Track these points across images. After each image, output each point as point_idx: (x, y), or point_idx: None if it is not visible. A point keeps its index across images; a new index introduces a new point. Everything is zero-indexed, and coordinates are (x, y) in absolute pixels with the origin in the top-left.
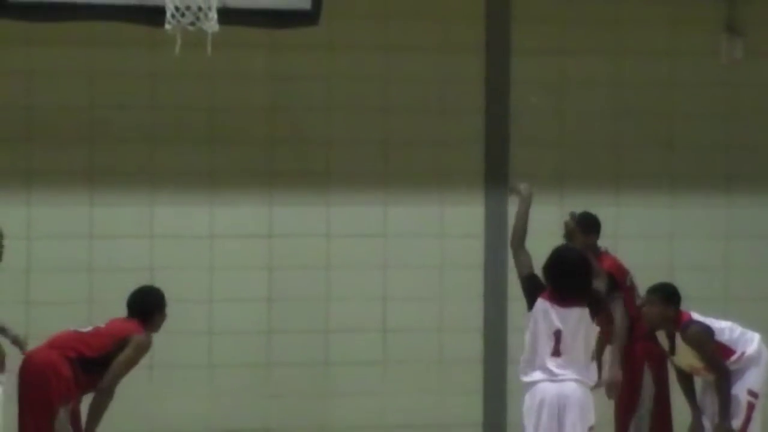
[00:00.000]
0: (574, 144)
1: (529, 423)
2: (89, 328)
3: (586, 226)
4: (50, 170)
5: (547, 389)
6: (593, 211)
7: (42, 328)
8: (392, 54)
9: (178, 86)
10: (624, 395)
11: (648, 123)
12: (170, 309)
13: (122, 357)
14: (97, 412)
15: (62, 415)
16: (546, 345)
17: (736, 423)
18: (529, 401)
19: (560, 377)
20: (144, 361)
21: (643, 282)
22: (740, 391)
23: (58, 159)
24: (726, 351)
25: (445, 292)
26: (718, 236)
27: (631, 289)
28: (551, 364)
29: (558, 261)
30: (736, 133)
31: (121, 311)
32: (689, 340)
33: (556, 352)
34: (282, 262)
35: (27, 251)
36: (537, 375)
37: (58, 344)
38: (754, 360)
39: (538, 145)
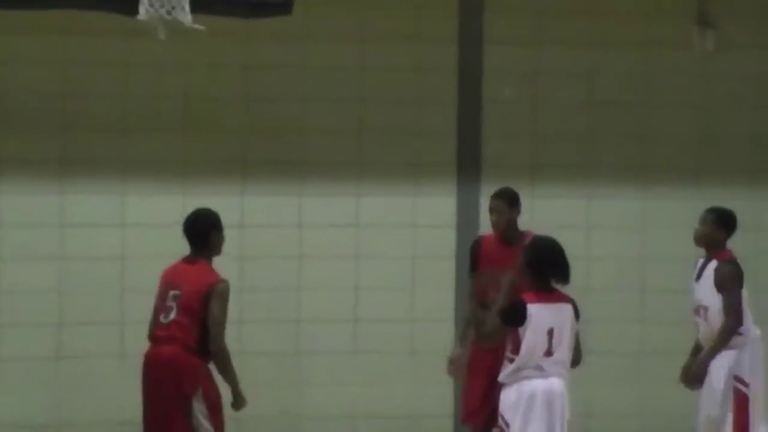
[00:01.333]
0: (546, 135)
1: (515, 416)
2: (171, 312)
3: (513, 200)
4: (21, 159)
5: (536, 385)
6: (564, 203)
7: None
8: (366, 44)
9: (152, 75)
10: None
11: (621, 114)
12: (140, 299)
13: (214, 314)
14: (228, 371)
15: (196, 403)
16: (541, 347)
17: (725, 414)
18: (516, 397)
19: (547, 373)
20: (115, 350)
21: (613, 273)
22: (726, 377)
23: (29, 148)
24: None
25: (417, 283)
26: (691, 229)
27: None
28: (542, 362)
29: (542, 249)
30: (708, 123)
31: (93, 301)
32: (722, 274)
33: (549, 353)
34: (254, 252)
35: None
36: (526, 372)
37: (174, 338)
38: (746, 346)
39: (511, 137)
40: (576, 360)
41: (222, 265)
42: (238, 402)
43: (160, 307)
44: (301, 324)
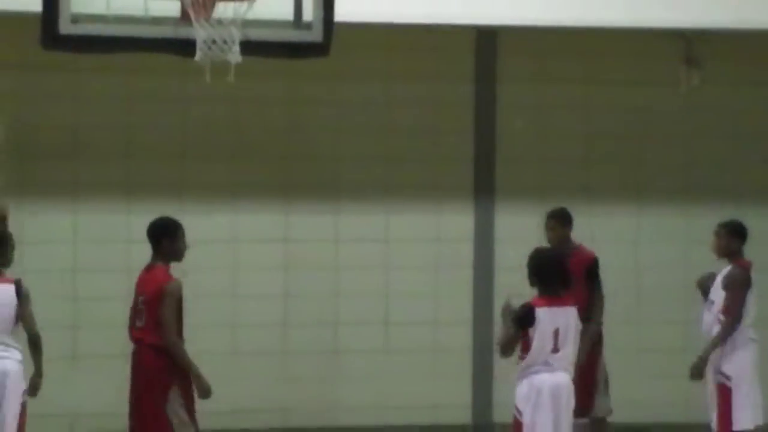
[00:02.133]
0: (552, 162)
1: (527, 406)
2: (142, 316)
3: (564, 218)
4: (93, 183)
5: (545, 379)
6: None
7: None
8: (393, 82)
9: (206, 109)
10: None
11: (616, 143)
12: (199, 303)
13: (164, 316)
14: (184, 365)
15: (172, 397)
16: (548, 345)
17: (715, 414)
18: (527, 389)
19: (554, 368)
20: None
21: (612, 278)
22: (712, 373)
23: (100, 174)
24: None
25: (440, 290)
26: (679, 242)
27: None
28: (552, 359)
29: (543, 260)
30: (695, 152)
31: None
32: (731, 275)
33: (555, 349)
34: (297, 263)
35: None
36: (536, 368)
37: (142, 342)
38: (738, 346)
39: (521, 163)
40: (580, 359)
41: (269, 275)
42: (201, 389)
43: (133, 312)
44: (338, 327)
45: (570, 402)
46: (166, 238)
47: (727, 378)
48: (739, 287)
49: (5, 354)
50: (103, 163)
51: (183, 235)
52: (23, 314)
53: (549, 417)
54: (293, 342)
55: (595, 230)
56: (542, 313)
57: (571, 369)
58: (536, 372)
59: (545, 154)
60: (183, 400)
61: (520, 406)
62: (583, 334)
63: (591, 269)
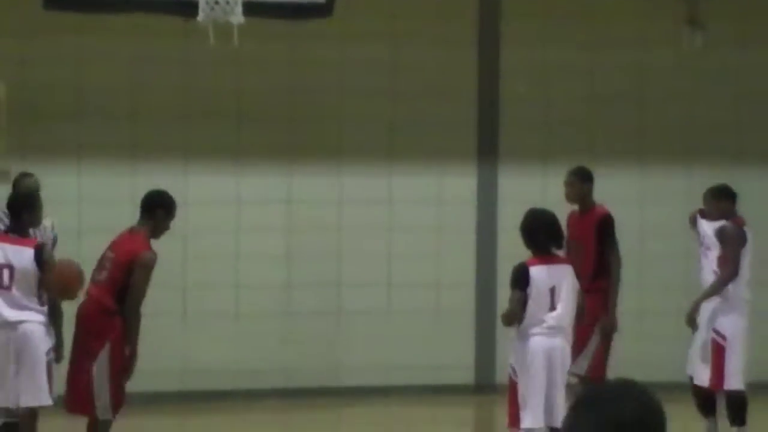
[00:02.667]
0: (555, 125)
1: (522, 369)
2: (104, 273)
3: (584, 175)
4: (98, 144)
5: (540, 342)
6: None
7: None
8: (397, 44)
9: (209, 72)
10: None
11: (619, 106)
12: (202, 265)
13: (136, 281)
14: (132, 333)
15: (102, 354)
16: (544, 303)
17: (707, 368)
18: (522, 350)
19: (553, 331)
20: (179, 309)
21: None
22: (708, 330)
23: (105, 135)
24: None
25: (442, 252)
26: (679, 203)
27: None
28: (547, 317)
29: (536, 218)
30: (697, 113)
31: (163, 268)
32: (727, 230)
33: (552, 307)
34: (300, 224)
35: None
36: (533, 329)
37: (92, 297)
38: (734, 306)
39: (524, 126)
40: (579, 317)
41: (272, 236)
42: (129, 366)
43: (98, 265)
44: (341, 288)
45: (564, 364)
46: (162, 209)
47: (722, 337)
48: (733, 241)
49: (26, 317)
50: (107, 125)
51: (174, 216)
52: (44, 281)
53: (543, 379)
54: (296, 303)
55: (600, 192)
56: (535, 272)
57: (569, 330)
58: (533, 335)
59: (548, 116)
60: (110, 365)
61: (516, 367)
62: (602, 295)
63: (601, 227)
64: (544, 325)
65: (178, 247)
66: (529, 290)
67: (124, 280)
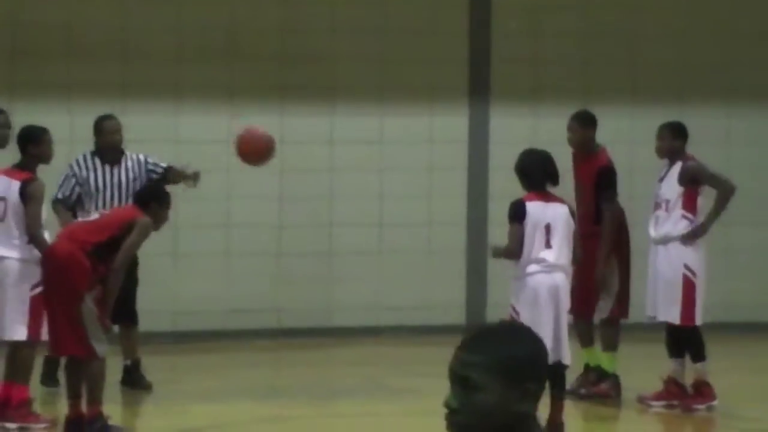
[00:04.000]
0: (547, 62)
1: (524, 306)
2: (96, 216)
3: (585, 120)
4: (88, 82)
5: (542, 280)
6: (563, 122)
7: None
8: None
9: (200, 10)
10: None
11: (612, 43)
12: (193, 205)
13: (129, 240)
14: (111, 290)
15: (87, 300)
16: (540, 239)
17: (677, 307)
18: (524, 290)
19: (552, 268)
20: (169, 249)
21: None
22: (678, 267)
23: (95, 73)
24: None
25: (434, 192)
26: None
27: None
28: (545, 254)
29: (531, 157)
30: (689, 51)
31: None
32: (691, 167)
33: (548, 244)
34: (292, 165)
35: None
36: (533, 267)
37: (74, 237)
38: (701, 242)
39: (516, 63)
40: (576, 257)
41: (264, 177)
42: (105, 315)
43: (84, 217)
44: (333, 228)
45: (566, 302)
46: (155, 202)
47: (693, 273)
48: (705, 169)
49: (6, 253)
50: (97, 63)
51: (169, 206)
52: (26, 213)
53: (549, 316)
54: (288, 243)
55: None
56: (532, 207)
57: (569, 270)
58: (533, 273)
59: (540, 54)
60: (97, 305)
61: (517, 306)
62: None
63: (598, 178)
64: (543, 263)
65: (169, 186)
66: (525, 224)
67: (117, 236)
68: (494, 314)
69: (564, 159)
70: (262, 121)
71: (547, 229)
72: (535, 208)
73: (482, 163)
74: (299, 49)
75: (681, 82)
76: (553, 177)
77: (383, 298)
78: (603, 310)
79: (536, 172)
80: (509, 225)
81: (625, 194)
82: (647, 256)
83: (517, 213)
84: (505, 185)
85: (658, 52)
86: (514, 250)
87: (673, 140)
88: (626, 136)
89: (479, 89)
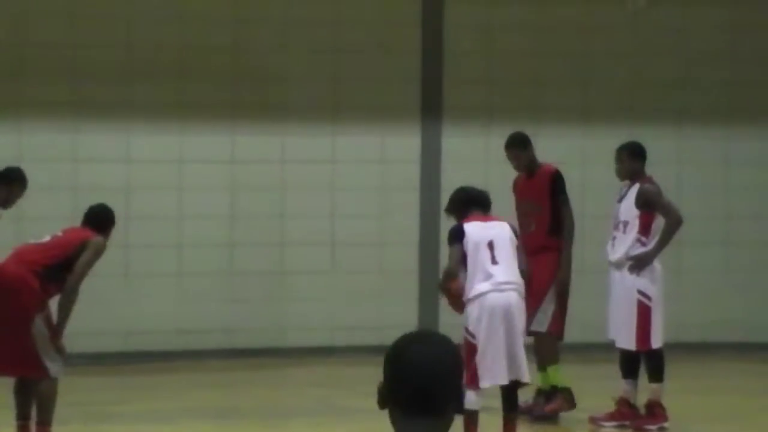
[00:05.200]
0: (501, 82)
1: (479, 328)
2: (47, 239)
3: (522, 143)
4: (40, 102)
5: (496, 299)
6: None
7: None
8: (340, 1)
9: (152, 28)
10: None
11: (565, 63)
12: (145, 225)
13: (83, 259)
14: (65, 310)
15: (38, 321)
16: (485, 256)
17: (632, 318)
18: (478, 311)
19: (504, 287)
20: (120, 270)
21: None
22: (631, 292)
23: (46, 92)
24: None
25: (386, 211)
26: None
27: None
28: (494, 271)
29: (456, 194)
30: (642, 72)
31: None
32: (647, 191)
33: (494, 261)
34: (243, 184)
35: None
36: (484, 286)
37: (23, 259)
38: (655, 266)
39: (469, 83)
40: (524, 272)
41: (215, 196)
42: (58, 338)
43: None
44: (285, 247)
45: (521, 321)
46: (111, 226)
47: (648, 298)
48: (660, 196)
49: None
50: (48, 82)
51: (112, 228)
52: None
53: (502, 339)
54: (239, 262)
55: (542, 152)
56: (470, 227)
57: (522, 289)
58: (485, 292)
59: (493, 74)
60: (48, 326)
61: (472, 328)
62: (558, 253)
63: (552, 184)
64: (493, 280)
65: (121, 206)
66: (465, 243)
67: (69, 256)
68: (447, 334)
69: (511, 178)
70: (213, 140)
71: (491, 246)
72: (473, 228)
73: (434, 183)
74: (251, 67)
75: (632, 102)
76: (485, 205)
77: (336, 317)
78: (541, 322)
79: (457, 204)
80: (449, 248)
81: (577, 213)
82: (603, 276)
83: (455, 235)
84: None
85: (610, 71)
86: (452, 270)
87: (632, 162)
88: (578, 155)
89: (431, 109)
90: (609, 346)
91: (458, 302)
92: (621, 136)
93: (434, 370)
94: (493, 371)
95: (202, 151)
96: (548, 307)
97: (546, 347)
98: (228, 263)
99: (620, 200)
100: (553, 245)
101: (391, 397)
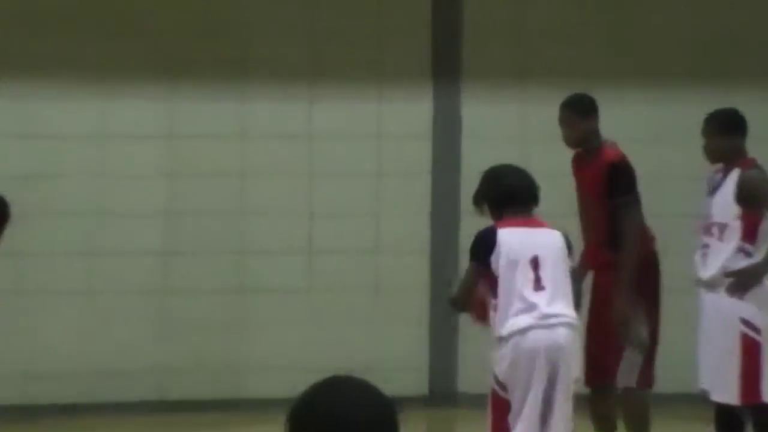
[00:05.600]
0: (536, 33)
1: (514, 380)
2: None
3: (582, 109)
4: None
5: (539, 338)
6: (550, 107)
7: None
8: None
9: None
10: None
11: (611, 7)
12: (47, 222)
13: None
14: None
15: None
16: (524, 280)
17: (734, 359)
18: (513, 355)
19: (552, 320)
20: (9, 285)
21: None
22: (732, 323)
23: None
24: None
25: (384, 206)
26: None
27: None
28: (537, 300)
29: (502, 175)
30: (699, 23)
31: None
32: (749, 179)
33: (539, 286)
34: (185, 167)
35: None
36: (522, 320)
37: None
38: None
39: (494, 37)
40: (575, 303)
41: (146, 184)
42: None
43: None
44: (243, 256)
45: (572, 369)
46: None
47: (756, 330)
48: (764, 183)
49: None
50: None
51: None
52: None
53: (540, 390)
54: (178, 277)
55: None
56: (507, 235)
57: (575, 321)
58: (525, 329)
59: (528, 22)
60: None
61: (503, 378)
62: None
63: (607, 179)
64: (537, 312)
65: (16, 196)
66: (497, 259)
67: None
68: (464, 382)
69: (559, 159)
70: (144, 105)
71: (535, 264)
72: (511, 237)
73: (452, 166)
74: (200, 15)
75: (719, 60)
76: (521, 195)
77: (313, 354)
78: (627, 374)
79: (491, 194)
80: (470, 263)
81: (648, 210)
82: (690, 300)
83: (482, 243)
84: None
85: (663, 21)
86: (461, 299)
87: (725, 137)
88: (645, 129)
89: (446, 68)
90: (700, 400)
91: (482, 309)
92: (708, 102)
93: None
94: None
95: (131, 123)
96: (633, 353)
97: (634, 408)
98: (162, 278)
99: (712, 193)
100: (609, 263)
101: None
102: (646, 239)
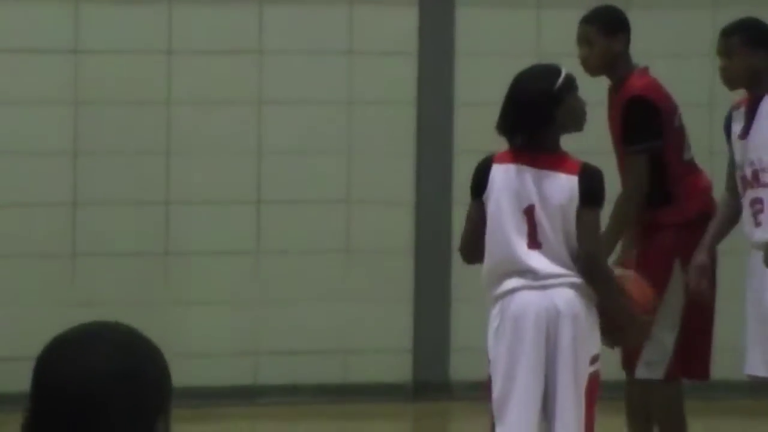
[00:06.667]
0: None
1: (499, 348)
2: None
3: (608, 26)
4: None
5: (528, 300)
6: (575, 19)
7: None
8: None
9: None
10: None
11: None
12: None
13: None
14: None
15: None
16: (516, 233)
17: None
18: (498, 320)
19: (547, 281)
20: None
21: None
22: None
23: None
24: None
25: (356, 143)
26: None
27: (679, 134)
28: (530, 259)
29: (516, 85)
30: None
31: None
32: None
33: (533, 242)
34: (93, 93)
35: None
36: (511, 282)
37: None
38: None
39: None
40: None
41: (50, 112)
42: None
43: None
44: (170, 222)
45: (588, 341)
46: None
47: None
48: None
49: None
50: None
51: None
52: None
53: (534, 371)
54: (86, 244)
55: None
56: (500, 172)
57: (581, 284)
58: (511, 290)
59: None
60: None
61: (491, 351)
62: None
63: (625, 114)
64: (526, 273)
65: None
66: (487, 201)
67: None
68: (459, 360)
69: (587, 80)
70: (44, 12)
71: (530, 213)
72: (504, 175)
73: (444, 92)
74: None
75: None
76: (544, 118)
77: (259, 351)
78: (654, 364)
79: (516, 109)
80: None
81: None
82: (736, 267)
83: (473, 179)
84: (483, 134)
85: None
86: (464, 245)
87: (751, 55)
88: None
89: None
90: (749, 386)
91: None
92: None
93: (92, 396)
94: (512, 427)
95: (32, 32)
96: (665, 335)
97: (661, 402)
98: (69, 245)
99: (744, 134)
100: (658, 219)
101: None
102: (696, 195)
